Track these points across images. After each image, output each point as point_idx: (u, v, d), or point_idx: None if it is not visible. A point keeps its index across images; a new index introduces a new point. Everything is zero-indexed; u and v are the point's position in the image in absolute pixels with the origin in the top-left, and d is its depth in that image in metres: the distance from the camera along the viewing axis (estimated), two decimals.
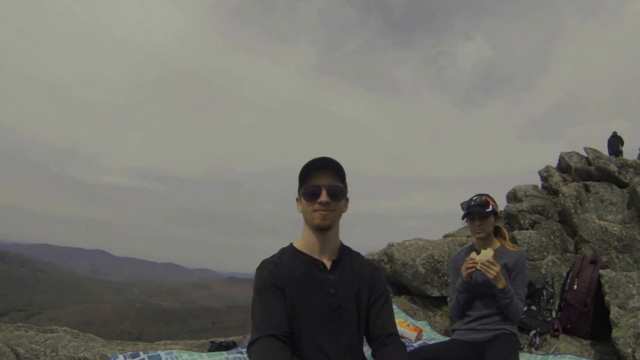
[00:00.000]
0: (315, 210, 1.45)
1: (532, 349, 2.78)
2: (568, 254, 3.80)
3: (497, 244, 2.42)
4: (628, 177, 4.06)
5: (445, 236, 6.23)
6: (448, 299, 2.52)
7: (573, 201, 3.99)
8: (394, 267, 3.94)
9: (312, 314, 1.40)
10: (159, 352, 2.55)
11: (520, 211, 4.67)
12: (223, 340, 3.05)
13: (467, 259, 2.30)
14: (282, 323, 1.32)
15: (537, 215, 4.52)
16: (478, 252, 2.41)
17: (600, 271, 2.60)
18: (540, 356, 2.42)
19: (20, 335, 2.58)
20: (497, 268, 2.11)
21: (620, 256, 3.08)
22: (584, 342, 2.65)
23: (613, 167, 4.10)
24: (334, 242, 1.54)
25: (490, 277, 2.11)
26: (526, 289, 3.66)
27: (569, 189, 4.16)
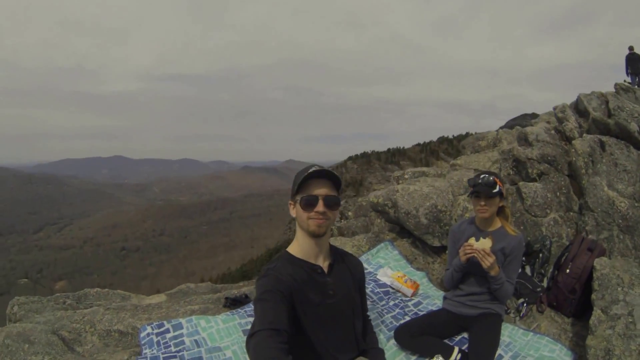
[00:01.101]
0: (311, 218, 1.53)
1: (518, 317, 3.01)
2: (571, 213, 3.83)
3: (498, 224, 2.53)
4: None
5: (453, 165, 6.23)
6: (446, 268, 2.70)
7: (585, 160, 3.85)
8: (398, 214, 4.04)
9: (315, 315, 1.53)
10: (180, 320, 2.88)
11: (529, 159, 4.58)
12: (237, 294, 3.30)
13: (466, 244, 2.43)
14: (283, 322, 1.36)
15: (546, 166, 4.43)
16: (479, 230, 2.55)
17: (595, 262, 2.65)
18: (521, 331, 2.65)
19: (61, 317, 2.88)
20: (492, 259, 2.28)
21: (621, 236, 3.07)
22: (566, 320, 2.85)
23: (634, 127, 3.84)
24: (327, 246, 1.66)
25: (485, 266, 2.27)
26: (525, 248, 3.85)
27: (582, 144, 3.98)
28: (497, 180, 2.42)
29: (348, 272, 1.70)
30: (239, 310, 2.63)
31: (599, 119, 4.21)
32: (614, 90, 9.38)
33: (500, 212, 2.55)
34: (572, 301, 2.80)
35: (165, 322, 2.77)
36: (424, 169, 5.81)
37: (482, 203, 2.40)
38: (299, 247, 1.59)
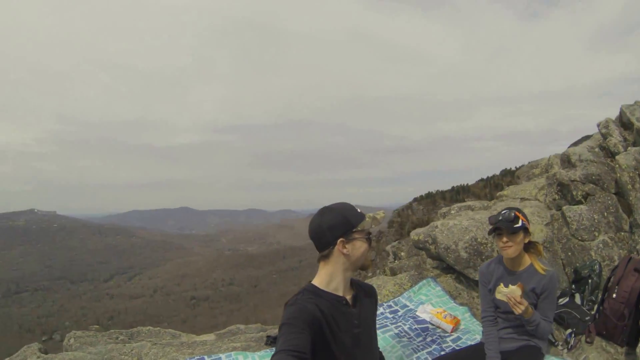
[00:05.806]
0: (369, 251, 1.69)
1: (566, 349, 2.80)
2: (622, 233, 3.51)
3: (527, 262, 2.37)
4: None
5: (499, 197, 5.94)
6: (482, 315, 2.52)
7: (631, 174, 3.58)
8: (438, 249, 3.95)
9: (341, 345, 1.59)
10: (220, 355, 3.03)
11: (572, 181, 4.31)
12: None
13: (496, 293, 2.27)
14: (306, 347, 1.38)
15: (591, 186, 4.15)
16: (507, 270, 2.41)
17: None
18: None
19: (112, 349, 3.19)
20: (523, 306, 2.15)
21: None
22: (619, 349, 2.58)
23: None
24: (350, 279, 1.74)
25: (517, 312, 2.18)
26: (573, 275, 3.55)
27: (627, 158, 3.71)
28: (520, 215, 2.30)
29: (369, 301, 1.79)
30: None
31: None
32: None
33: (530, 248, 2.39)
34: (623, 328, 2.54)
35: (206, 357, 2.97)
36: (469, 202, 5.63)
37: (505, 240, 2.27)
38: (324, 280, 1.65)
